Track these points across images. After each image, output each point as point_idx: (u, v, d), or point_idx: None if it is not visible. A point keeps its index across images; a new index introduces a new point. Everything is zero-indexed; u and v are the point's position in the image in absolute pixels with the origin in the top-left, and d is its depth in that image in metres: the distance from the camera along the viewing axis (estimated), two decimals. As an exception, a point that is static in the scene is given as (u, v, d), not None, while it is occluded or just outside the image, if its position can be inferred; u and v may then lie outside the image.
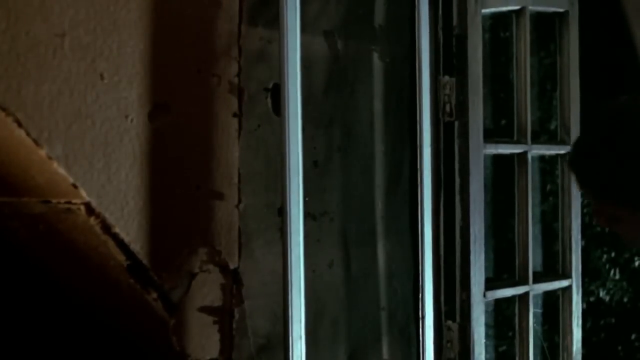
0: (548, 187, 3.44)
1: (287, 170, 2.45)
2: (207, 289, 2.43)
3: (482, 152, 2.99)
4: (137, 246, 2.29)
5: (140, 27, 2.26)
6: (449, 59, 2.96)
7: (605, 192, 1.96)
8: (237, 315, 2.49)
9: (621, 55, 3.55)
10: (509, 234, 3.25)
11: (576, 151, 2.09)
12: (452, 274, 2.99)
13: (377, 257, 2.91)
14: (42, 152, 2.11)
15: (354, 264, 2.83)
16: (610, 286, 3.67)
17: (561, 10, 3.29)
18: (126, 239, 2.27)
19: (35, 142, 2.10)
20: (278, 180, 2.50)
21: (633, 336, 3.87)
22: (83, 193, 2.18)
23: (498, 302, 3.20)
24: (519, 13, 3.17)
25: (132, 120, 2.26)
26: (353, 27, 2.82)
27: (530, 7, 3.17)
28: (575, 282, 3.33)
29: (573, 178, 2.13)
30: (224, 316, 2.46)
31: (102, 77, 2.20)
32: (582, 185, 2.04)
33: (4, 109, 2.04)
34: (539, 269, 3.38)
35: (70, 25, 2.13)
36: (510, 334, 3.27)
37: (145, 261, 2.31)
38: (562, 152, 3.29)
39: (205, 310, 2.43)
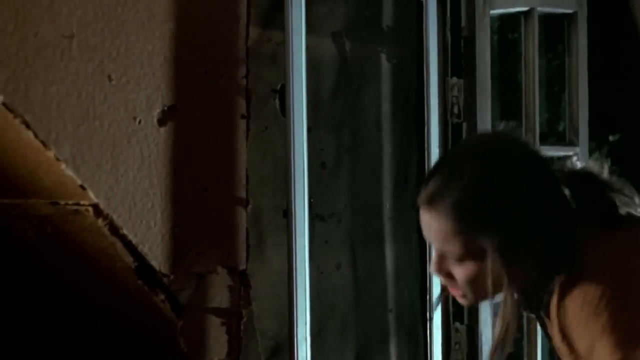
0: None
1: (292, 171, 2.45)
2: (215, 290, 2.42)
3: (490, 153, 2.98)
4: (145, 247, 2.29)
5: (148, 28, 2.26)
6: (457, 60, 2.95)
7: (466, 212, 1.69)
8: (245, 317, 2.49)
9: (629, 55, 3.55)
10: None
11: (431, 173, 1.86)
12: (460, 275, 2.98)
13: (384, 258, 2.91)
14: (50, 154, 2.11)
15: (362, 266, 2.83)
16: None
17: (570, 11, 3.27)
18: (134, 241, 2.27)
19: (43, 143, 2.10)
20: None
21: None
22: (91, 194, 2.18)
23: (506, 303, 3.19)
24: (527, 14, 3.16)
25: (140, 122, 2.26)
26: (361, 29, 2.82)
27: (539, 8, 3.16)
28: (583, 284, 3.31)
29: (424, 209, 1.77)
30: (231, 318, 2.46)
31: (110, 78, 2.20)
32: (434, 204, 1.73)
33: (12, 111, 2.04)
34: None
35: (78, 27, 2.14)
36: (518, 335, 3.26)
37: (153, 262, 2.31)
38: (571, 153, 3.28)
39: (213, 311, 2.43)
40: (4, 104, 2.02)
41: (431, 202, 1.65)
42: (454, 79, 2.94)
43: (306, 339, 2.46)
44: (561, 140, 3.37)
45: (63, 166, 2.13)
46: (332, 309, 2.75)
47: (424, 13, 2.88)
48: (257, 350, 2.53)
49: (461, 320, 2.97)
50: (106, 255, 2.30)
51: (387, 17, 2.90)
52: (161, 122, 2.30)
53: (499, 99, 3.17)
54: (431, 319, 2.90)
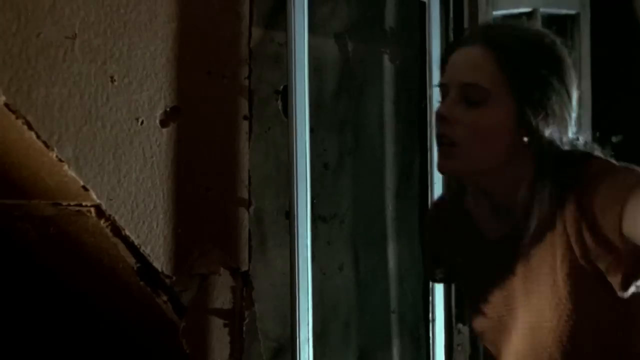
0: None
1: (294, 172, 2.45)
2: (218, 291, 2.42)
3: (492, 154, 2.98)
4: (147, 249, 2.28)
5: (150, 29, 2.26)
6: (460, 61, 2.95)
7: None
8: (247, 318, 2.49)
9: (632, 56, 3.54)
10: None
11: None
12: (463, 276, 2.98)
13: (387, 259, 2.91)
14: (53, 155, 2.11)
15: (364, 267, 2.83)
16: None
17: (572, 12, 3.28)
18: (136, 242, 2.27)
19: (46, 144, 2.09)
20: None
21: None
22: (93, 195, 2.18)
23: (509, 304, 3.19)
24: (530, 15, 3.16)
25: (142, 123, 2.26)
26: (364, 30, 2.82)
27: (542, 9, 3.16)
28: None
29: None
30: (234, 319, 2.46)
31: (112, 79, 2.20)
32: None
33: (14, 112, 2.04)
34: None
35: (80, 28, 2.13)
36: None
37: (155, 264, 2.31)
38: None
39: (216, 312, 2.43)
40: (6, 105, 2.02)
41: (481, 37, 1.76)
42: (457, 80, 2.94)
43: (308, 340, 2.46)
44: (564, 141, 3.36)
45: (65, 167, 2.13)
46: (334, 310, 2.75)
47: (426, 14, 2.88)
48: (259, 352, 2.53)
49: (463, 321, 2.97)
50: (108, 256, 2.30)
51: (390, 17, 2.90)
52: (164, 123, 2.30)
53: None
54: (434, 320, 2.90)
